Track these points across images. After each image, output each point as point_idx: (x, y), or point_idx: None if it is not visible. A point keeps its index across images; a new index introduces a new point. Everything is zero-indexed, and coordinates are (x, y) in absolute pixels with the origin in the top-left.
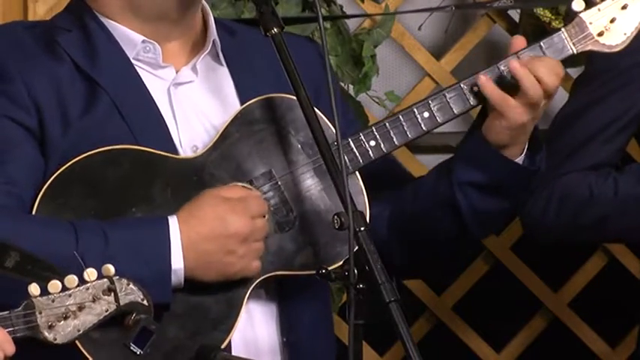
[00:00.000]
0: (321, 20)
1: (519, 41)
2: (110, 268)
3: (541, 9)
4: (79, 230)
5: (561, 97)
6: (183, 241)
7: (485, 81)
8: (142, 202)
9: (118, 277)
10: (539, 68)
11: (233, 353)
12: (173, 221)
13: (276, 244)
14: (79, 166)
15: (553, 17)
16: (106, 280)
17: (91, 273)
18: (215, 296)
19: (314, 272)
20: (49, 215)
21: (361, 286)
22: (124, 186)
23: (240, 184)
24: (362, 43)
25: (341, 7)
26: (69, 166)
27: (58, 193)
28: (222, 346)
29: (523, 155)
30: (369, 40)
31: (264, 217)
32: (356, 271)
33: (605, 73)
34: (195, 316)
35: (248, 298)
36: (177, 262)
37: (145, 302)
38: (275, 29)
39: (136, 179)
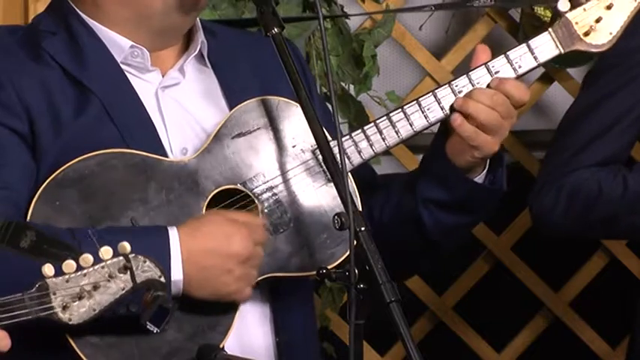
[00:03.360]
0: (321, 20)
1: (483, 53)
2: (126, 246)
3: (542, 9)
4: (78, 237)
5: (564, 97)
6: (184, 254)
7: (460, 121)
8: (137, 205)
9: (133, 254)
10: (480, 97)
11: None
12: (173, 233)
13: (271, 246)
14: (73, 170)
15: None
16: (121, 258)
17: (105, 251)
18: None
19: (309, 274)
20: (44, 219)
21: (362, 286)
22: (118, 189)
23: (232, 185)
24: (363, 43)
25: (341, 7)
26: (63, 170)
27: (53, 197)
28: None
29: (485, 172)
30: (369, 40)
31: (262, 247)
32: (356, 271)
33: (615, 68)
34: (193, 318)
35: None
36: (177, 274)
37: (162, 279)
38: (275, 29)
39: (131, 182)
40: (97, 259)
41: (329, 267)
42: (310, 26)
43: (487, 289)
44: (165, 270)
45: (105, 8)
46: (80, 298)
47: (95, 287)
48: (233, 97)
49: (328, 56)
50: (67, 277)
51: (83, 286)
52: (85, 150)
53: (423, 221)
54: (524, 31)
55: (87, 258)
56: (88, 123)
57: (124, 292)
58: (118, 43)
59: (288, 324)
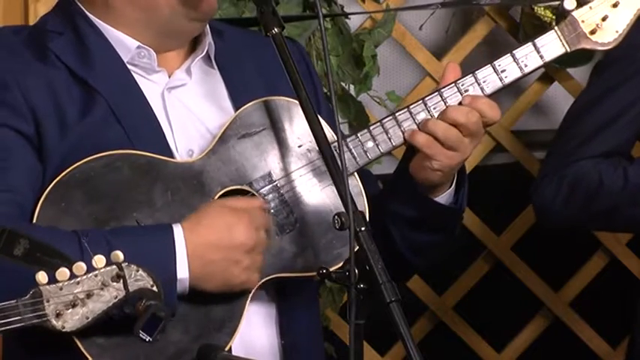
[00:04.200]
0: (321, 20)
1: (452, 71)
2: (119, 255)
3: (542, 9)
4: (83, 239)
5: (564, 97)
6: (189, 250)
7: (412, 133)
8: (142, 207)
9: (126, 263)
10: (453, 114)
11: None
12: (178, 230)
13: (277, 246)
14: (79, 172)
15: (554, 17)
16: (114, 266)
17: (99, 260)
18: (217, 299)
19: (314, 274)
20: (50, 220)
21: (362, 286)
22: (124, 190)
23: (239, 186)
24: (363, 43)
25: (342, 6)
26: (69, 171)
27: (58, 199)
28: (225, 349)
29: (451, 189)
30: (369, 40)
31: (266, 229)
32: (357, 271)
33: (621, 61)
34: (199, 319)
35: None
36: (183, 272)
37: (155, 288)
38: (275, 29)
39: (136, 184)
40: (91, 268)
41: (332, 267)
42: (310, 26)
43: (487, 289)
44: (172, 269)
45: (117, 8)
46: (74, 305)
47: (88, 295)
48: (238, 98)
49: (328, 56)
50: (60, 284)
51: (77, 294)
52: (91, 151)
53: (392, 234)
54: (525, 31)
55: (80, 266)
56: (94, 123)
57: (116, 300)
58: (124, 43)
59: (293, 325)
